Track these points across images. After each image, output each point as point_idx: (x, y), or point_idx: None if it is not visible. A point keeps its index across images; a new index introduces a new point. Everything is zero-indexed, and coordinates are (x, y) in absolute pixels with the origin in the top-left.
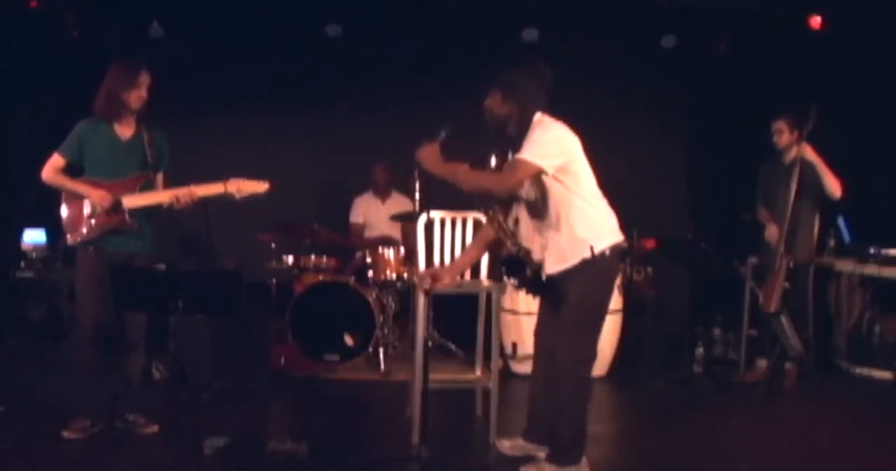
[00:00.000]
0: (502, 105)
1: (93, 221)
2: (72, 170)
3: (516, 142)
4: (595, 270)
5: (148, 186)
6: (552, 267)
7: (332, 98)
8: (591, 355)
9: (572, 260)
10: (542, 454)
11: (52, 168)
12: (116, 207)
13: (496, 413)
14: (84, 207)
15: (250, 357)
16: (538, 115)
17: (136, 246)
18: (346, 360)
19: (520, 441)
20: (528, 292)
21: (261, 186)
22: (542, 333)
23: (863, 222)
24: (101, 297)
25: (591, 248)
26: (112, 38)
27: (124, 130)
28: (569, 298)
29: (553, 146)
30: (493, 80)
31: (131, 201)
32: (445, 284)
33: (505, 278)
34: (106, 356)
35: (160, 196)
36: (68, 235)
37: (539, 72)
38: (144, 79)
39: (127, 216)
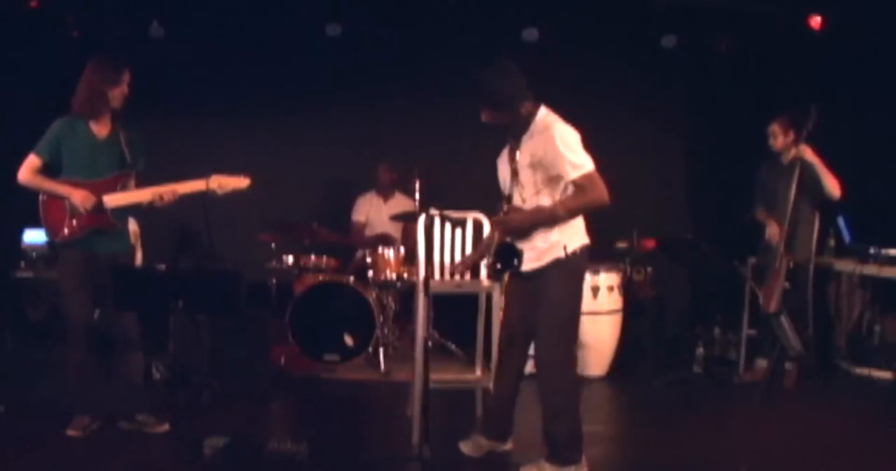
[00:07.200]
0: (495, 115)
1: (74, 222)
2: (48, 169)
3: (519, 134)
4: (568, 269)
5: (124, 185)
6: (526, 264)
7: (332, 98)
8: (574, 351)
9: (545, 259)
10: (541, 457)
11: (29, 169)
12: (98, 206)
13: None
14: (65, 207)
15: (250, 357)
16: (543, 111)
17: (118, 246)
18: (346, 360)
19: (482, 440)
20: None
21: (242, 182)
22: (511, 328)
23: (863, 222)
24: (89, 297)
25: (565, 247)
26: (112, 38)
27: (101, 129)
28: (547, 300)
29: (581, 148)
30: (476, 96)
31: (113, 200)
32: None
33: (498, 265)
34: (101, 356)
35: (141, 194)
36: (52, 235)
37: (505, 67)
38: (127, 76)
39: (109, 216)
